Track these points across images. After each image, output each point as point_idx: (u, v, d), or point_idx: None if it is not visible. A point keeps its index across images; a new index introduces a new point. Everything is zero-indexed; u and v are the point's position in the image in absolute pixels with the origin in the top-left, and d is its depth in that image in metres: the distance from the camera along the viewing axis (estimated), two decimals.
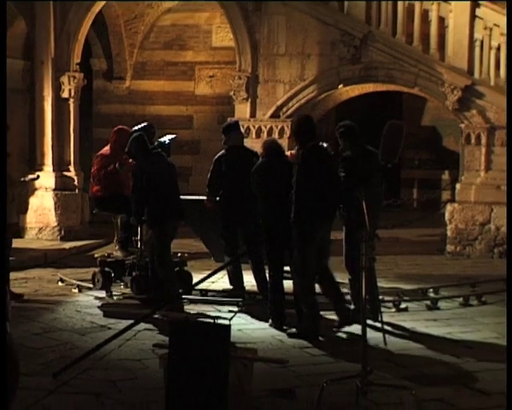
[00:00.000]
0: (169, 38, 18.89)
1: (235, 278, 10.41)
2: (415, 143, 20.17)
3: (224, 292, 10.50)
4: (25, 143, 16.27)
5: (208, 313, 9.39)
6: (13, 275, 10.32)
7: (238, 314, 9.12)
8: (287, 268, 9.02)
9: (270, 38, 14.83)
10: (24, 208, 15.25)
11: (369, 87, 15.96)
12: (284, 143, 13.59)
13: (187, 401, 5.74)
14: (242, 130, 11.93)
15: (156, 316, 8.95)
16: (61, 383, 6.80)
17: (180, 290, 9.89)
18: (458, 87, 13.99)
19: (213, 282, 10.89)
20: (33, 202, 15.56)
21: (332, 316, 9.23)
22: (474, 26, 14.11)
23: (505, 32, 13.74)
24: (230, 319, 6.01)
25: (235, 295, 10.24)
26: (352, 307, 9.14)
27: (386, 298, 10.04)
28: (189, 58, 18.92)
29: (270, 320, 8.97)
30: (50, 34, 15.46)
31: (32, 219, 15.56)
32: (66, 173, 15.76)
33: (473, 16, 14.11)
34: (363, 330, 6.28)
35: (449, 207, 14.32)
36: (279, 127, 14.71)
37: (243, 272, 10.39)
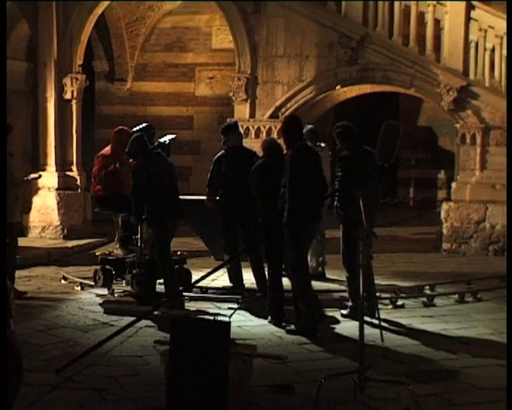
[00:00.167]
0: (169, 40, 18.92)
1: (235, 276, 10.47)
2: (411, 143, 20.15)
3: (223, 290, 10.52)
4: (28, 143, 16.29)
5: (208, 311, 9.38)
6: (17, 273, 10.43)
7: (238, 311, 9.05)
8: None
9: (268, 39, 14.86)
10: (27, 207, 15.17)
11: (366, 88, 16.00)
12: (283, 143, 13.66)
13: (187, 396, 5.74)
14: (242, 130, 12.05)
15: (157, 313, 8.94)
16: (64, 379, 6.83)
17: (180, 288, 9.95)
18: (454, 88, 14.03)
19: (213, 280, 10.98)
20: (36, 201, 15.57)
21: (330, 313, 9.36)
22: (469, 28, 14.14)
23: (500, 33, 13.79)
24: (230, 316, 5.99)
25: (235, 292, 10.27)
26: (350, 304, 9.23)
27: (383, 295, 10.10)
28: (190, 60, 18.96)
29: (270, 317, 8.99)
30: (53, 36, 15.48)
31: (35, 218, 15.58)
32: (68, 173, 15.80)
33: (468, 18, 14.14)
34: (361, 327, 6.31)
35: (445, 206, 14.32)
36: (278, 128, 14.73)
37: (243, 270, 10.46)
